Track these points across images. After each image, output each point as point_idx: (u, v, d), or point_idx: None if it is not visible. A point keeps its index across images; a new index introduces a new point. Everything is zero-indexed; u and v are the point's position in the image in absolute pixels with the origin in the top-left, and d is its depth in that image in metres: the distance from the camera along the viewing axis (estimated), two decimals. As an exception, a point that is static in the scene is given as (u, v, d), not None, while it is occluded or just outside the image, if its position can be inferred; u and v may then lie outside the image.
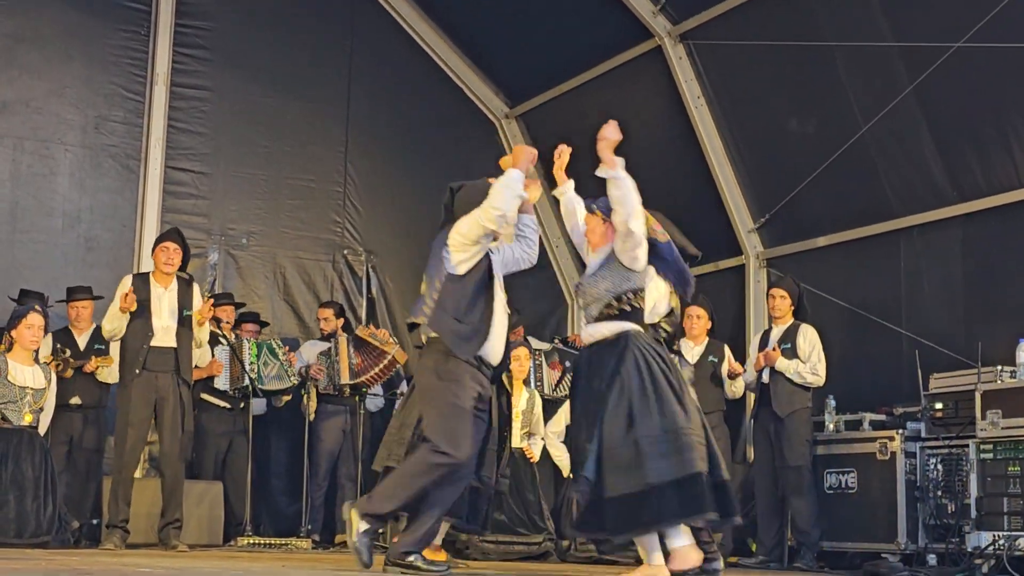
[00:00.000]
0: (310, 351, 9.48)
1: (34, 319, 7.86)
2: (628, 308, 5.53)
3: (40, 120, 9.69)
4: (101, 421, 8.69)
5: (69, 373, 8.28)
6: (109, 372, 8.50)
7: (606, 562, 7.91)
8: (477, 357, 5.52)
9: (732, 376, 8.48)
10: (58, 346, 8.46)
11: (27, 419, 7.76)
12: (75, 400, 8.42)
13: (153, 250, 8.26)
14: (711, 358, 8.52)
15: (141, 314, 7.97)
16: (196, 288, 8.28)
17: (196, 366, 8.65)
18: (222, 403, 9.06)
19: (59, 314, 8.92)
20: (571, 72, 10.46)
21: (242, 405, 9.00)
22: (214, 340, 8.94)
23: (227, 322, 9.09)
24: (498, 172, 5.74)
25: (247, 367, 8.84)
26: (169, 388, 7.95)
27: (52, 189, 9.68)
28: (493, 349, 5.59)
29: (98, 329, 8.60)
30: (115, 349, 8.49)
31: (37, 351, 8.00)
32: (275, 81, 10.46)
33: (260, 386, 8.96)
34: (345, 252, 10.54)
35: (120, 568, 5.05)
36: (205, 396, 9.00)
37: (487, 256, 5.63)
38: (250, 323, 9.52)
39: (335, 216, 10.51)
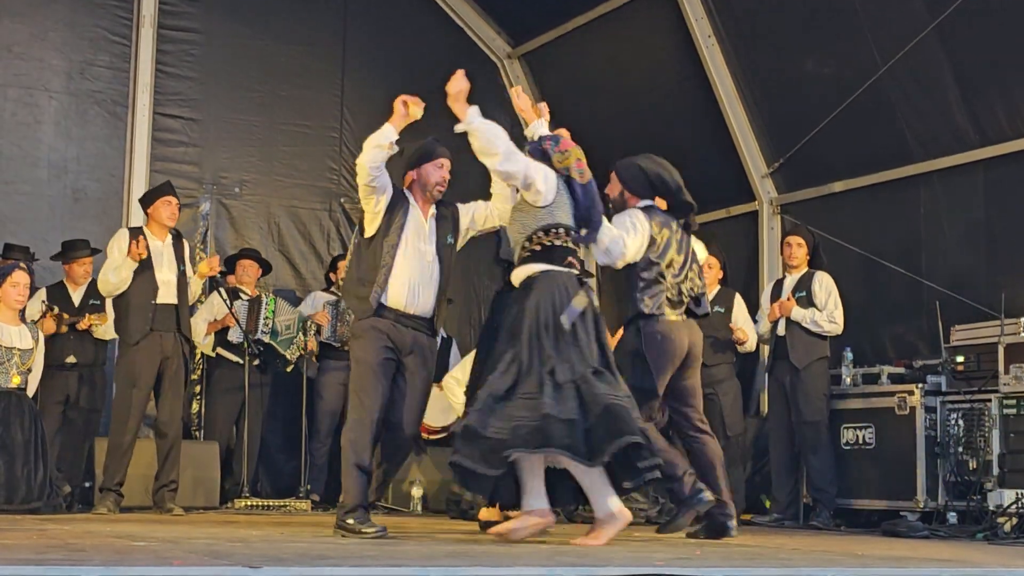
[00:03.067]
0: (315, 301, 9.26)
1: (19, 277, 7.63)
2: (539, 248, 5.52)
3: (23, 66, 9.43)
4: (97, 380, 8.52)
5: (64, 329, 8.07)
6: (105, 329, 8.27)
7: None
8: (389, 310, 5.71)
9: (739, 343, 8.27)
10: (44, 302, 8.22)
11: (15, 381, 7.58)
12: (71, 359, 8.24)
13: (151, 203, 7.97)
14: (717, 308, 8.27)
15: (144, 269, 7.72)
16: (186, 243, 8.09)
17: (215, 319, 8.56)
18: (234, 358, 8.88)
19: (45, 266, 8.73)
20: (576, 10, 10.16)
21: (256, 362, 8.83)
22: (235, 295, 8.77)
23: (220, 277, 8.87)
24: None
25: (261, 321, 8.70)
26: (173, 348, 7.75)
27: (37, 138, 9.44)
28: (394, 294, 5.72)
29: (93, 284, 8.37)
30: (110, 306, 8.28)
31: (23, 310, 7.75)
32: (267, 22, 10.17)
33: (272, 342, 8.86)
34: (342, 200, 10.27)
35: (113, 542, 4.87)
36: (221, 351, 8.84)
37: (404, 214, 5.77)
38: (248, 258, 9.22)
39: (331, 163, 10.25)
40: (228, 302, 8.66)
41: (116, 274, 7.69)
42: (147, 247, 7.73)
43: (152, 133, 9.64)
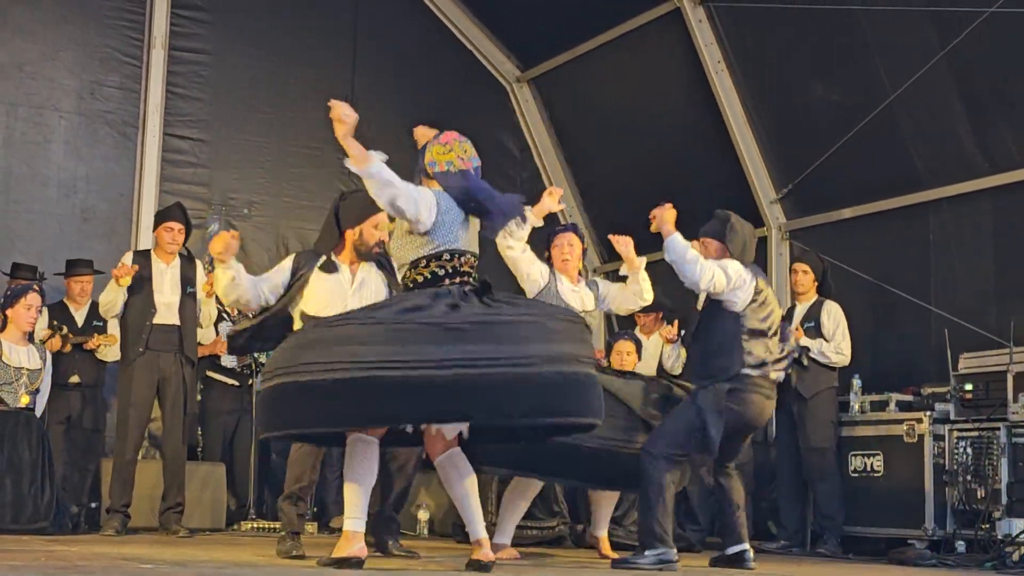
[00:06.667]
0: None
1: (33, 299, 7.67)
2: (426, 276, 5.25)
3: (34, 85, 9.45)
4: (99, 400, 8.50)
5: (68, 348, 8.06)
6: (110, 350, 8.26)
7: (624, 547, 7.74)
8: None
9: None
10: (55, 322, 8.23)
11: (23, 401, 7.58)
12: (74, 379, 8.21)
13: (155, 227, 7.99)
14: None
15: (143, 290, 7.73)
16: (198, 264, 8.06)
17: (200, 343, 8.46)
18: (229, 380, 8.85)
19: (54, 287, 8.70)
20: (586, 35, 10.18)
21: (250, 383, 8.79)
22: (218, 317, 8.72)
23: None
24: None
25: None
26: (172, 368, 7.74)
27: (46, 157, 9.44)
28: None
29: (96, 304, 8.37)
30: (113, 326, 8.28)
31: (31, 331, 7.76)
32: (277, 44, 10.21)
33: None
34: (351, 222, 10.24)
35: (120, 564, 4.86)
36: (211, 374, 8.79)
37: None
38: None
39: (340, 185, 10.19)
40: (215, 326, 8.66)
41: (105, 295, 7.80)
42: (148, 270, 7.74)
43: (162, 154, 9.65)
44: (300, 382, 4.85)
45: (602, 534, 6.98)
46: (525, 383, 4.81)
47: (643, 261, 6.78)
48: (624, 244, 6.76)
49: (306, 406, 4.87)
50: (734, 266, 6.05)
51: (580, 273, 6.86)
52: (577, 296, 6.63)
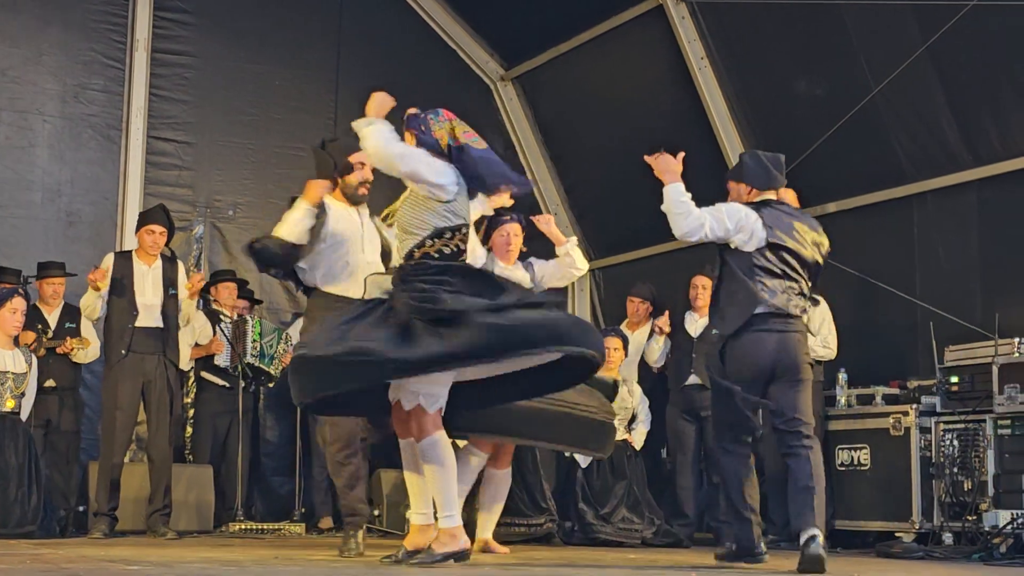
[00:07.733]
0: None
1: (18, 303, 7.69)
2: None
3: (17, 89, 9.44)
4: (77, 403, 8.48)
5: (42, 352, 8.06)
6: (84, 353, 8.25)
7: (612, 544, 7.77)
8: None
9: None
10: (39, 326, 8.22)
11: (9, 405, 7.59)
12: (50, 383, 8.18)
13: (138, 229, 8.00)
14: (715, 330, 8.25)
15: (124, 293, 7.75)
16: (180, 265, 8.07)
17: (197, 343, 8.48)
18: (221, 382, 8.84)
19: (36, 289, 8.69)
20: (569, 33, 10.18)
21: (242, 385, 8.79)
22: (216, 318, 8.73)
23: (215, 300, 8.87)
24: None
25: (249, 345, 8.65)
26: (156, 370, 7.75)
27: (30, 161, 9.44)
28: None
29: (68, 307, 8.39)
30: (87, 329, 8.27)
31: (17, 335, 7.76)
32: (261, 46, 10.20)
33: (262, 364, 8.80)
34: (335, 223, 10.22)
35: (107, 567, 4.86)
36: (205, 375, 8.79)
37: None
38: (242, 299, 9.25)
39: (324, 184, 10.22)
40: (213, 327, 8.66)
41: (85, 299, 7.84)
42: (130, 272, 7.75)
43: (146, 156, 9.64)
44: None
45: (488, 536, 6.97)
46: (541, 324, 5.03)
47: (573, 240, 7.08)
48: (545, 222, 7.01)
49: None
50: (733, 208, 5.71)
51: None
52: (512, 276, 6.71)
